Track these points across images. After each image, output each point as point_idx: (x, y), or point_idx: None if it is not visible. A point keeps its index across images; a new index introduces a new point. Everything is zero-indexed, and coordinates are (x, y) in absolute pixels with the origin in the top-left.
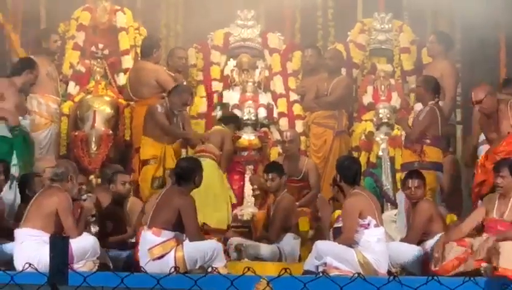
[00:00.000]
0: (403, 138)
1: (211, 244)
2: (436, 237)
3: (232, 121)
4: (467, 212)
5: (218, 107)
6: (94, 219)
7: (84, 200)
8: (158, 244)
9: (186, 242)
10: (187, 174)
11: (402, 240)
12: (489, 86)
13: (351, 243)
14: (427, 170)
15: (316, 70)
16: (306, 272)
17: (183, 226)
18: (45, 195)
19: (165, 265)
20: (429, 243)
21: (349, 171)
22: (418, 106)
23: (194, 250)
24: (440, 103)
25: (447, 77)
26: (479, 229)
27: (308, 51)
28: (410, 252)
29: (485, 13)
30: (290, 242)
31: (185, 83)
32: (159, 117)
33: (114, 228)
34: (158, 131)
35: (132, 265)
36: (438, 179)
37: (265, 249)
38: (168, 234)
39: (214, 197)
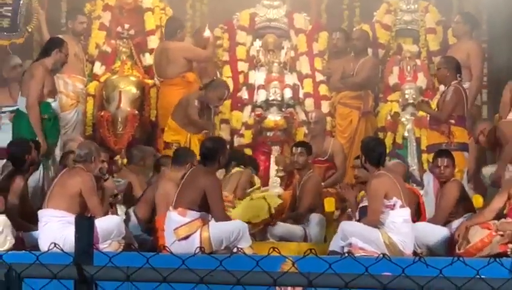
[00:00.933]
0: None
1: (237, 224)
2: (463, 219)
3: (252, 164)
4: (492, 193)
5: (244, 88)
6: (119, 198)
7: (106, 179)
8: (184, 225)
9: (212, 222)
10: (212, 154)
11: (429, 221)
12: (484, 123)
13: (377, 225)
14: (454, 150)
15: (342, 52)
16: (331, 252)
17: (208, 206)
18: (69, 176)
19: (190, 246)
20: (456, 224)
21: (374, 153)
22: (443, 87)
23: (220, 230)
24: (466, 84)
25: (473, 57)
26: (502, 213)
27: (336, 34)
28: (436, 233)
29: None
30: (315, 222)
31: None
32: (192, 111)
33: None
34: (186, 120)
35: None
36: (465, 159)
37: (290, 229)
38: (193, 214)
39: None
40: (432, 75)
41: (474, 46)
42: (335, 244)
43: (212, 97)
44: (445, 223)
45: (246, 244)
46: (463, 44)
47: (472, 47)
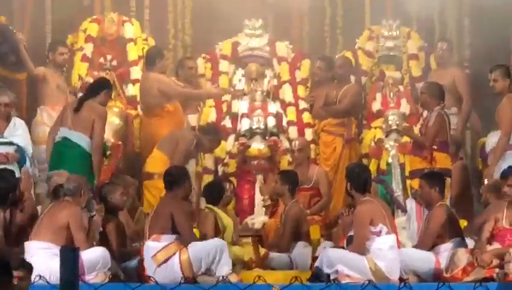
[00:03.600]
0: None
1: (214, 243)
2: (450, 243)
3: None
4: (479, 211)
5: (227, 117)
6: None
7: (93, 215)
8: (161, 250)
9: (191, 244)
10: (177, 180)
11: (415, 246)
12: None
13: (363, 251)
14: None
15: (325, 79)
16: (316, 269)
17: None
18: (57, 209)
19: (170, 270)
20: (443, 248)
21: (359, 179)
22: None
23: (199, 251)
24: (452, 109)
25: (460, 83)
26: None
27: (317, 63)
28: (422, 258)
29: (494, 16)
30: (301, 251)
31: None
32: (183, 148)
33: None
34: (177, 158)
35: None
36: (447, 185)
37: (276, 257)
38: (168, 238)
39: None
40: (415, 101)
41: (459, 72)
42: (320, 261)
43: (204, 144)
44: (432, 247)
45: (227, 269)
46: (448, 70)
47: (457, 73)
